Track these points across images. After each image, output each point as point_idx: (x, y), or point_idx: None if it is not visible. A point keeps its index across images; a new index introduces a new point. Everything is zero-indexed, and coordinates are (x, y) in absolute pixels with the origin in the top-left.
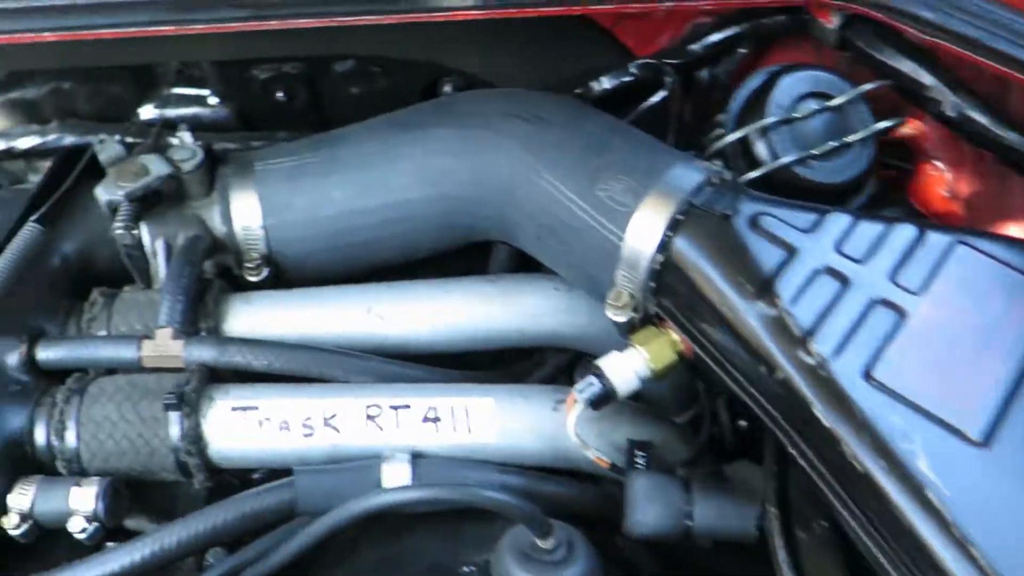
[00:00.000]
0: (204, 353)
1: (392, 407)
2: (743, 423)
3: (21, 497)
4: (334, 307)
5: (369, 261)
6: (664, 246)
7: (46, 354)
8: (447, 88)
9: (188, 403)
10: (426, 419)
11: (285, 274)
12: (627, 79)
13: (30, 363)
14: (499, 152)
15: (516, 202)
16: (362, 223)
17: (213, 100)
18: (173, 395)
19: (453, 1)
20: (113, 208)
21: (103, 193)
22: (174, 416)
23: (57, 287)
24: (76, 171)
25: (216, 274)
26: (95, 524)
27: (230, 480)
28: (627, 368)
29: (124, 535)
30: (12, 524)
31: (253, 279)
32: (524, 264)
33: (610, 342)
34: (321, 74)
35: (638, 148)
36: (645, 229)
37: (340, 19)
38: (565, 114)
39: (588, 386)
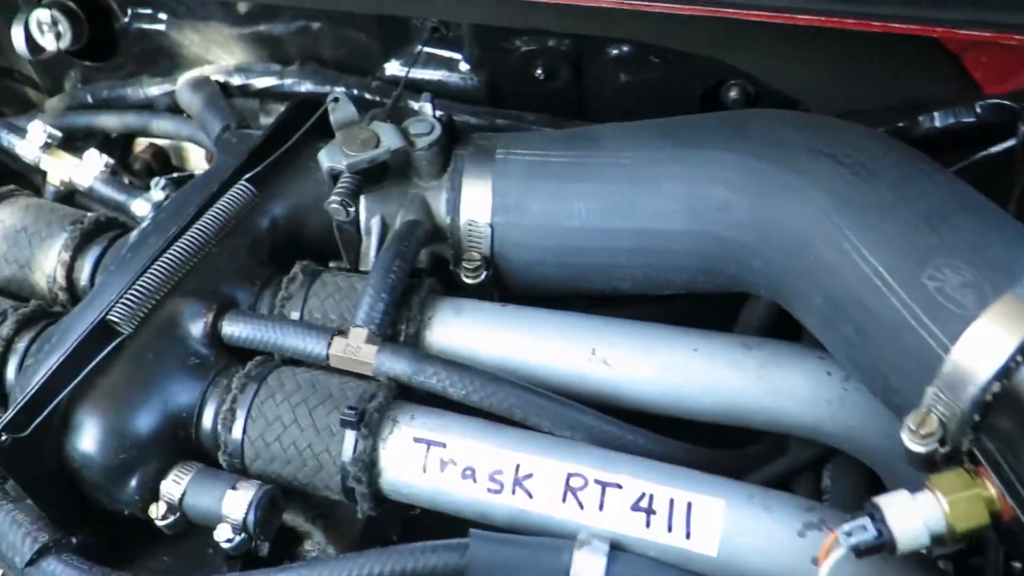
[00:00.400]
0: (397, 366)
1: (599, 482)
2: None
3: (174, 485)
4: (554, 339)
5: (602, 287)
6: (1007, 372)
7: (232, 329)
8: (733, 94)
9: (368, 423)
10: (637, 507)
11: (503, 280)
12: (967, 119)
13: (213, 336)
14: (797, 198)
15: (806, 265)
16: (604, 245)
17: (464, 66)
18: (354, 411)
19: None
20: (334, 176)
21: (326, 159)
22: (350, 435)
23: (258, 251)
24: (302, 130)
25: (429, 265)
26: (243, 536)
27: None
28: (917, 517)
29: None
30: (159, 514)
31: (469, 280)
32: (780, 322)
33: (885, 457)
34: (590, 56)
35: (991, 229)
36: (985, 344)
37: (627, 2)
38: (898, 166)
39: (859, 529)
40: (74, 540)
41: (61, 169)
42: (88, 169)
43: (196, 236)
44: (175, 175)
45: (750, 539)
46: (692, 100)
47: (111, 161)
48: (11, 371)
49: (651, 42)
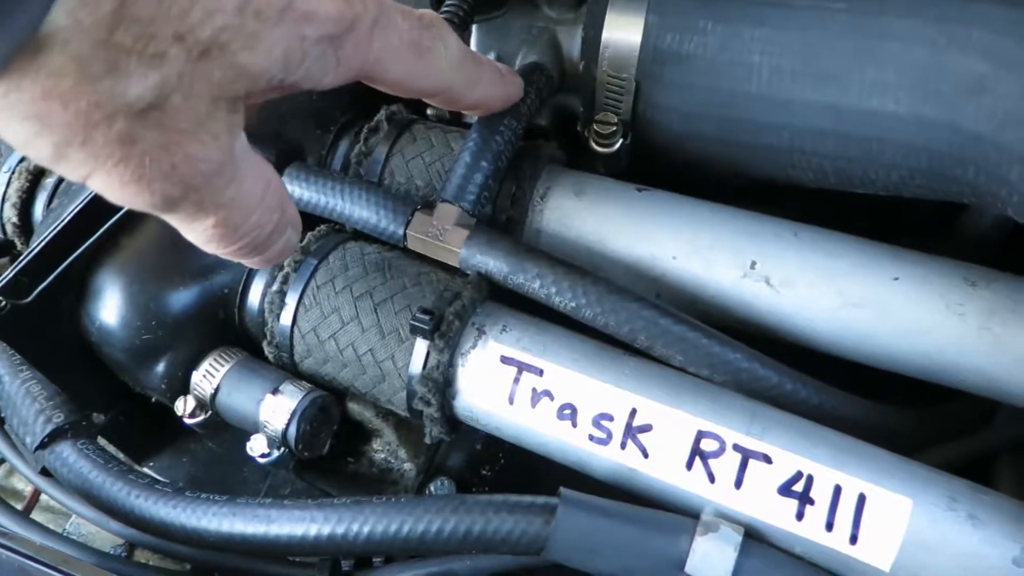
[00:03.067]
0: (491, 260)
1: (740, 448)
2: None
3: (207, 379)
4: (702, 242)
5: (773, 175)
6: None
7: (291, 187)
8: None
9: (445, 332)
10: (789, 490)
11: (643, 153)
12: None
13: None
14: None
15: None
16: (789, 121)
17: None
18: (428, 316)
19: None
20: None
21: None
22: (421, 345)
23: (339, 90)
24: None
25: (551, 123)
26: (282, 451)
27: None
28: None
29: None
30: (187, 410)
31: (599, 148)
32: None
33: None
34: None
35: None
36: None
37: None
38: None
39: None
40: (102, 418)
41: None
42: None
43: None
44: None
45: (942, 558)
46: None
47: None
48: (39, 209)
49: None
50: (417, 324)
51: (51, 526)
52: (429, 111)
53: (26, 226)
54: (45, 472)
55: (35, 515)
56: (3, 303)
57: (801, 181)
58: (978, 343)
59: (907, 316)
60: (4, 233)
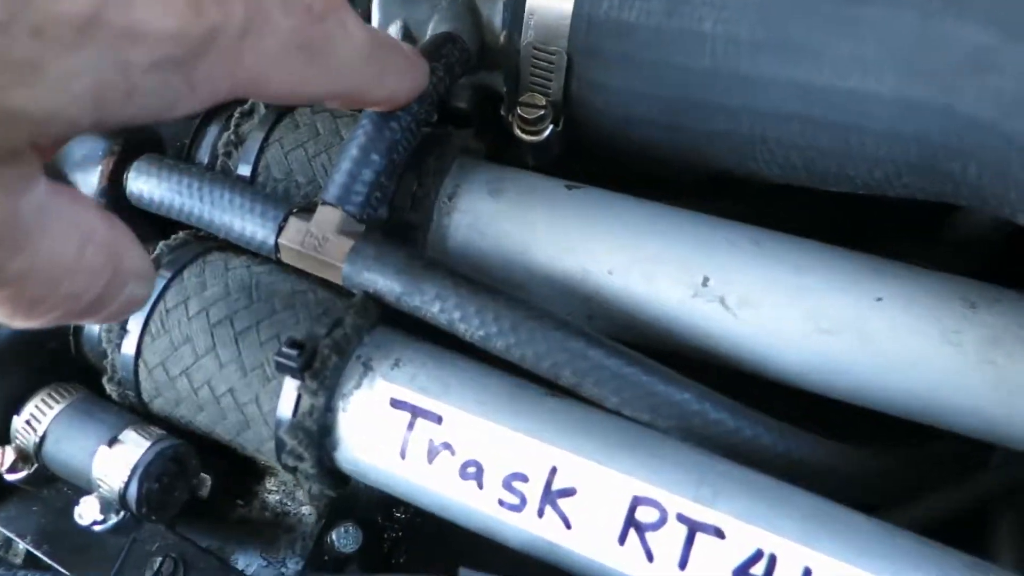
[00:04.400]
0: (380, 277)
1: (684, 519)
2: None
3: (30, 426)
4: (644, 251)
5: (730, 166)
6: None
7: (139, 185)
8: None
9: (319, 371)
10: (745, 573)
11: (579, 139)
12: None
13: (114, 194)
14: None
15: None
16: (748, 104)
17: None
18: (297, 349)
19: None
20: None
21: None
22: (290, 386)
23: None
24: None
25: (470, 105)
26: (121, 515)
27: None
28: None
29: None
30: (6, 463)
31: (525, 136)
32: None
33: None
34: None
35: None
36: None
37: None
38: None
39: None
40: None
41: None
42: None
43: None
44: None
45: None
46: None
47: None
48: None
49: None
50: (283, 361)
51: None
52: None
53: None
54: None
55: None
56: None
57: (764, 175)
58: (978, 378)
59: (892, 345)
60: None
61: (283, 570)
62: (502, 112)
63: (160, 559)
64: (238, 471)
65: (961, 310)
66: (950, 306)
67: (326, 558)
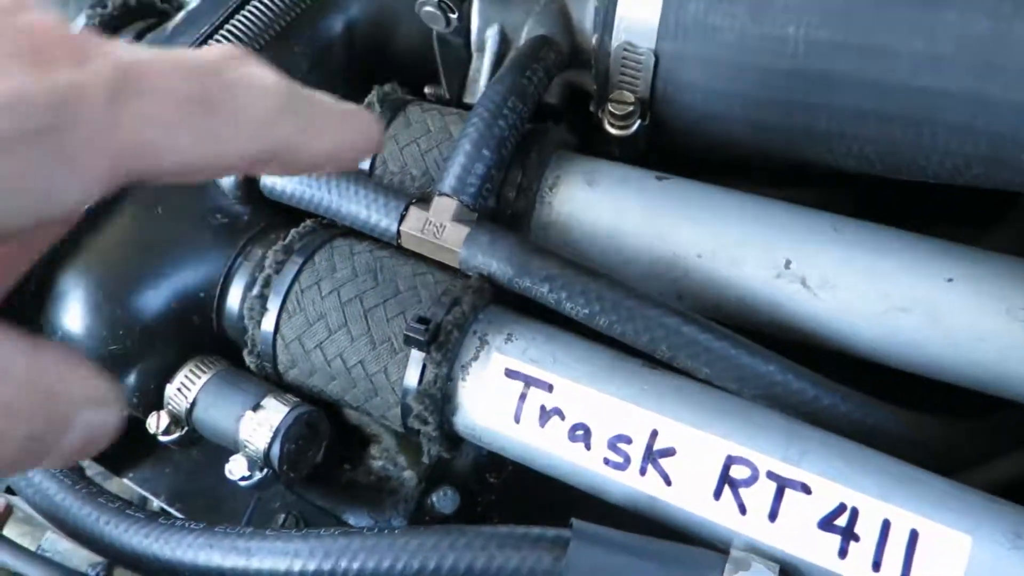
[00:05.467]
0: (494, 260)
1: (774, 476)
2: None
3: (181, 393)
4: (729, 236)
5: (810, 159)
6: None
7: (274, 178)
8: None
9: (443, 344)
10: (830, 524)
11: (664, 134)
12: None
13: (250, 186)
14: None
15: None
16: (828, 100)
17: None
18: (424, 325)
19: None
20: None
21: None
22: (416, 357)
23: (325, 68)
24: None
25: (562, 100)
26: (264, 473)
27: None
28: None
29: None
30: (160, 427)
31: (614, 130)
32: None
33: None
34: None
35: None
36: None
37: None
38: None
39: None
40: None
41: None
42: None
43: (225, 41)
44: None
45: None
46: None
47: None
48: None
49: None
50: (412, 335)
51: (27, 539)
52: (427, 89)
53: None
54: (10, 491)
55: (10, 528)
56: None
57: (841, 167)
58: None
59: (962, 322)
60: None
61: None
62: (591, 108)
63: (283, 515)
64: (345, 439)
65: None
66: (1017, 285)
67: (427, 519)
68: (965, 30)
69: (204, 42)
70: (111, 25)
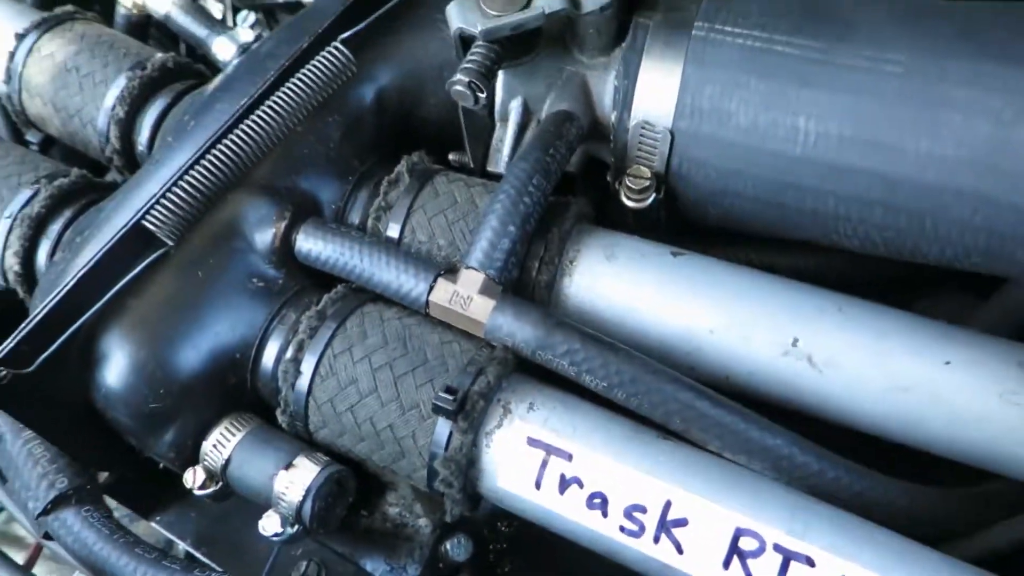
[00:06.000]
0: (519, 332)
1: (780, 549)
2: None
3: (217, 449)
4: (741, 314)
5: (814, 238)
6: None
7: (308, 245)
8: None
9: (470, 413)
10: None
11: (677, 208)
12: None
13: (284, 251)
14: None
15: None
16: (835, 188)
17: None
18: (452, 396)
19: None
20: (464, 41)
21: (456, 17)
22: (443, 425)
23: (356, 136)
24: None
25: (580, 169)
26: (296, 528)
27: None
28: None
29: None
30: (196, 482)
31: (631, 203)
32: None
33: None
34: None
35: None
36: None
37: None
38: None
39: None
40: (103, 479)
41: None
42: None
43: (269, 118)
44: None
45: None
46: None
47: None
48: (42, 258)
49: None
50: (440, 404)
51: None
52: (451, 156)
53: (28, 274)
54: (48, 536)
55: (40, 567)
56: (4, 373)
57: (845, 247)
58: None
59: (959, 403)
60: (6, 281)
61: (403, 575)
62: (608, 178)
63: (305, 563)
64: (362, 486)
65: (1018, 373)
66: (1010, 370)
67: (440, 565)
68: (968, 132)
69: (245, 115)
70: (150, 86)
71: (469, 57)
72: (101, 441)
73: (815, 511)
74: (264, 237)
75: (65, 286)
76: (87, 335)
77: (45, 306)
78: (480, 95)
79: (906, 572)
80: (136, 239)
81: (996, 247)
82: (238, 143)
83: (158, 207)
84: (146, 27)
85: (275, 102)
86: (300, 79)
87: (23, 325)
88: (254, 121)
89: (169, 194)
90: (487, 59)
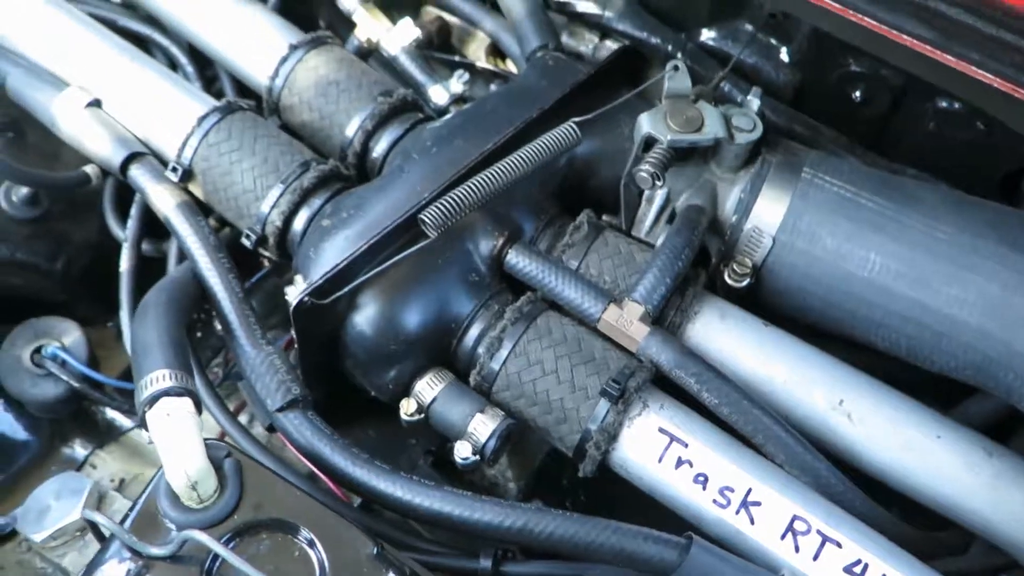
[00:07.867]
0: (663, 354)
1: (820, 533)
2: None
3: (428, 388)
4: (808, 376)
5: (857, 336)
6: None
7: (517, 260)
8: None
9: (625, 399)
10: (850, 571)
11: (762, 293)
12: None
13: (497, 260)
14: None
15: None
16: (884, 304)
17: (784, 59)
18: (618, 385)
19: None
20: (647, 143)
21: (647, 125)
22: (603, 404)
23: (550, 185)
24: (638, 89)
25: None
26: (476, 458)
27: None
28: None
29: None
30: (409, 410)
31: (731, 282)
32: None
33: None
34: (916, 98)
35: None
36: None
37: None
38: None
39: None
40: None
41: (372, 28)
42: (398, 38)
43: (518, 163)
44: (468, 63)
45: None
46: (991, 176)
47: (420, 36)
48: (300, 221)
49: (986, 110)
50: (608, 390)
51: None
52: (604, 217)
53: (284, 231)
54: (271, 428)
55: None
56: (308, 300)
57: (876, 345)
58: (985, 496)
59: (940, 465)
60: (263, 232)
61: None
62: (713, 260)
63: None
64: None
65: (982, 455)
66: (976, 452)
67: None
68: (984, 289)
69: (492, 156)
70: (392, 112)
71: (653, 155)
72: (329, 367)
73: (842, 515)
74: (487, 246)
75: (358, 250)
76: (352, 292)
77: (346, 259)
78: (658, 183)
79: (898, 563)
80: (406, 228)
81: (986, 367)
82: (496, 177)
83: (434, 209)
84: (367, 58)
85: (523, 154)
86: (543, 142)
87: (330, 270)
88: (508, 163)
89: (444, 202)
90: (665, 159)
